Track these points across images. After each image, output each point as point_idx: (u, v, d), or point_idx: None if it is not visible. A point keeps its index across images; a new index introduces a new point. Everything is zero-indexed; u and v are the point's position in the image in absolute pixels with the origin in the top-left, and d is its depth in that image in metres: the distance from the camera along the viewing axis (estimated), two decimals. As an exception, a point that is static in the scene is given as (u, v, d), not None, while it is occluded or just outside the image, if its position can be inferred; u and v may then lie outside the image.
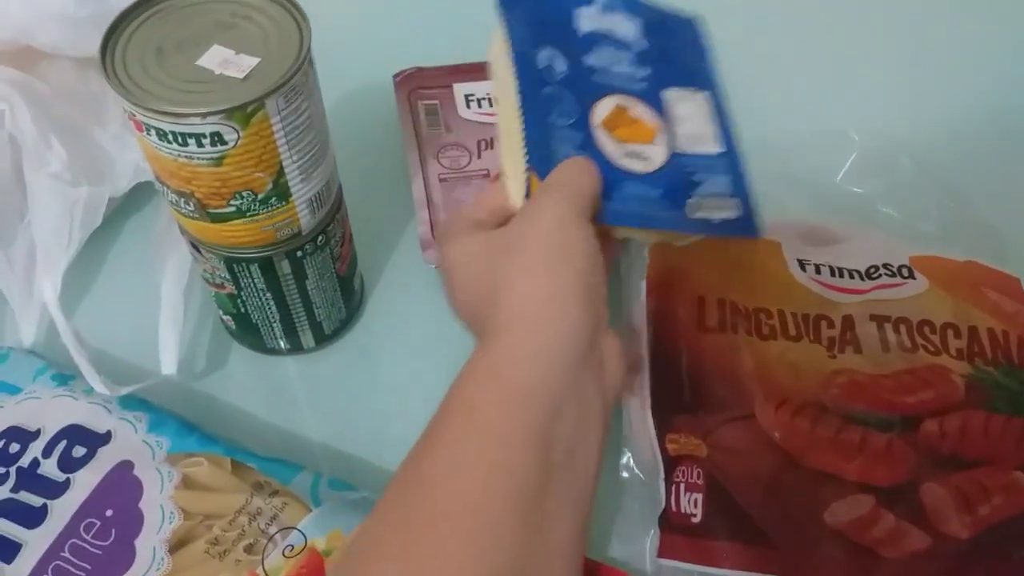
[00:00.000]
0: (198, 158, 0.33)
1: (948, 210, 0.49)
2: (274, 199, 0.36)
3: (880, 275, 0.45)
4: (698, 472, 0.38)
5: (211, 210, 0.35)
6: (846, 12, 0.64)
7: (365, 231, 0.46)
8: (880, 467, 0.38)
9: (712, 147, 0.37)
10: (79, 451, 0.38)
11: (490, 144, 0.51)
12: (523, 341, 0.28)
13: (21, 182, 0.43)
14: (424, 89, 0.54)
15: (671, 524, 0.37)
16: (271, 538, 0.35)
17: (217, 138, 0.32)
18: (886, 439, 0.39)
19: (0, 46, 0.44)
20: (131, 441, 0.38)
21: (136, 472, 0.37)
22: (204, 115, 0.31)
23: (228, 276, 0.40)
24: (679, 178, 0.36)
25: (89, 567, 0.34)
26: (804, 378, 0.41)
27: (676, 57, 0.39)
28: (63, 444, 0.38)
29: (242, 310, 0.42)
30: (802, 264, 0.46)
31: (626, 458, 0.41)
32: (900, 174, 0.47)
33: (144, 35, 0.34)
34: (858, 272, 0.45)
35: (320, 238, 0.40)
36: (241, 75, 0.33)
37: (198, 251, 0.39)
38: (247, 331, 0.44)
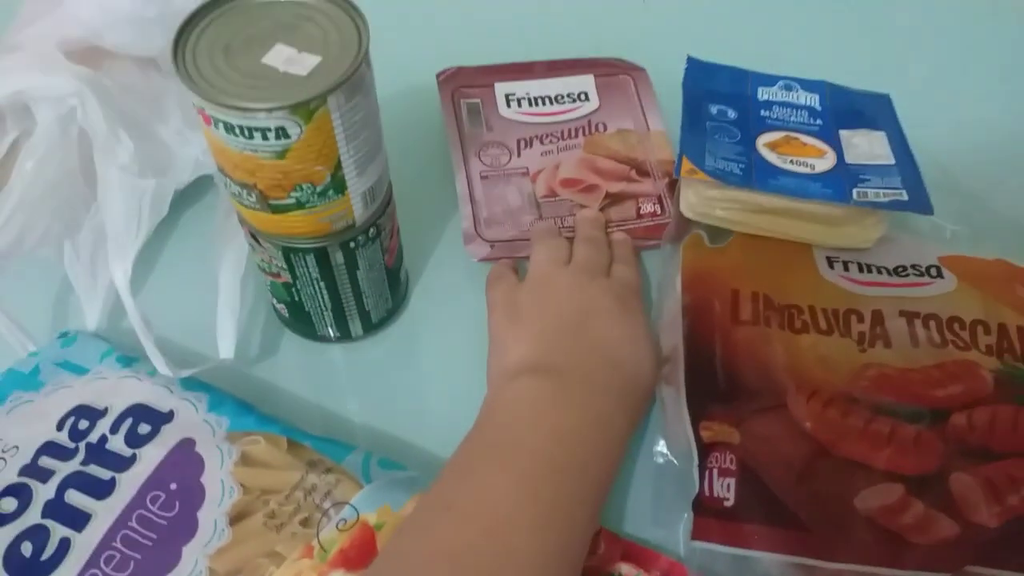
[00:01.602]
0: (262, 151, 0.35)
1: (975, 212, 0.50)
2: (331, 192, 0.38)
3: (908, 274, 0.46)
4: (731, 458, 0.39)
5: (272, 201, 0.38)
6: (868, 16, 0.65)
7: (410, 225, 0.48)
8: (909, 457, 0.39)
9: (885, 160, 0.49)
10: (144, 428, 0.40)
11: (529, 143, 0.53)
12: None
13: (88, 175, 0.45)
14: (467, 88, 0.56)
15: (704, 508, 0.39)
16: (325, 512, 0.37)
17: (281, 132, 0.34)
18: (915, 430, 0.40)
19: (69, 46, 0.46)
20: (192, 420, 0.40)
21: (198, 449, 0.39)
22: (270, 110, 0.33)
23: (284, 265, 0.42)
24: (846, 177, 0.47)
25: (155, 536, 0.36)
26: (835, 370, 0.42)
27: (856, 111, 0.52)
28: (129, 421, 0.40)
29: (296, 298, 0.44)
30: (831, 262, 0.47)
31: (661, 445, 0.42)
32: (926, 177, 0.48)
33: (213, 34, 0.36)
34: (886, 269, 0.47)
35: (372, 230, 0.42)
36: (304, 72, 0.35)
37: (257, 241, 0.41)
38: (299, 319, 0.46)
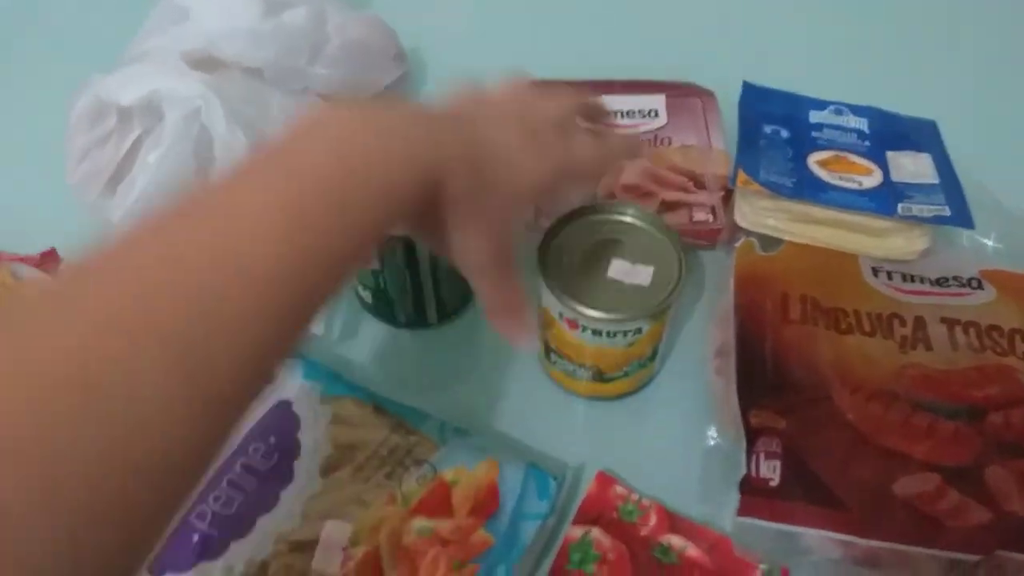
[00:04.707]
0: (618, 345, 0.44)
1: (1016, 231, 0.53)
2: None
3: (950, 284, 0.49)
4: (777, 442, 0.43)
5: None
6: (919, 47, 0.69)
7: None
8: (947, 449, 0.42)
9: (930, 180, 0.52)
10: (247, 389, 0.45)
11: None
12: None
13: (200, 170, 0.51)
14: None
15: (751, 487, 0.42)
16: (406, 468, 0.41)
17: (637, 331, 0.43)
18: (953, 426, 0.43)
19: (190, 56, 0.52)
20: (290, 384, 0.45)
21: (295, 408, 0.44)
22: (634, 318, 0.43)
23: (374, 252, 0.47)
24: (892, 193, 0.51)
25: (256, 481, 0.41)
26: (878, 368, 0.45)
27: (903, 135, 0.56)
28: (233, 383, 0.45)
29: (381, 285, 0.49)
30: (875, 271, 0.50)
31: (712, 430, 0.45)
32: (970, 197, 0.51)
33: (564, 245, 0.45)
34: (928, 279, 0.50)
35: (454, 223, 0.47)
36: (647, 283, 0.44)
37: (352, 229, 0.46)
38: (382, 304, 0.51)
